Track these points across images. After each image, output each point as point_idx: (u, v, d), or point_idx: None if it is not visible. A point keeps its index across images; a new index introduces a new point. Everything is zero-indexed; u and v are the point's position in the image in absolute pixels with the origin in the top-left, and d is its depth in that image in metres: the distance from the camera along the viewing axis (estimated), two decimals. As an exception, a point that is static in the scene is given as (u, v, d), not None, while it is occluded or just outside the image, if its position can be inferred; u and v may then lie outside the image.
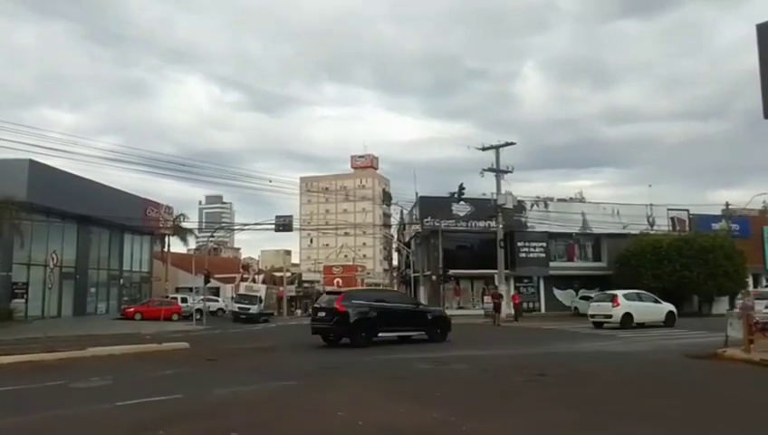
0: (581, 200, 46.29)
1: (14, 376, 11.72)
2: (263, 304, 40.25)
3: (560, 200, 44.06)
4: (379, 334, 17.45)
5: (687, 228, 43.33)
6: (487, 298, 38.26)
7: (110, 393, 9.73)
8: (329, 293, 22.36)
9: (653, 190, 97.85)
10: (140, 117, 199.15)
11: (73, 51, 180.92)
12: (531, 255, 39.98)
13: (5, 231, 27.62)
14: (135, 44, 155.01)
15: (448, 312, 38.07)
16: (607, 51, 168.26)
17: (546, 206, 41.90)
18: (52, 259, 30.54)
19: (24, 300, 31.04)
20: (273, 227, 38.89)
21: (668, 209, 43.98)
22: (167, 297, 40.38)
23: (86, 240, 36.65)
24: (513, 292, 37.88)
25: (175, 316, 35.07)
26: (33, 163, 29.08)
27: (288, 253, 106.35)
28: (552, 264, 40.66)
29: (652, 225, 42.58)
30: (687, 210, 44.71)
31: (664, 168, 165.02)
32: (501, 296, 32.00)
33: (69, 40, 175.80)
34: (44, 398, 9.51)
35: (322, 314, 17.86)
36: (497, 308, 30.79)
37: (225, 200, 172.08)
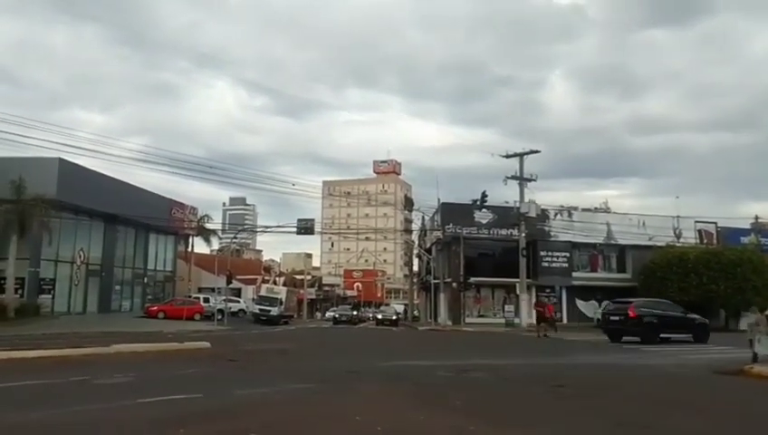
0: (606, 210, 45.62)
1: (39, 370, 11.95)
2: (283, 307, 40.48)
3: (584, 210, 43.51)
4: (660, 335, 22.11)
5: (715, 241, 42.42)
6: (508, 306, 38.01)
7: (132, 390, 9.87)
8: (617, 302, 25.50)
9: (680, 202, 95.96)
10: (169, 119, 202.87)
11: (105, 54, 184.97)
12: (553, 264, 39.52)
13: (35, 228, 28.20)
14: (165, 48, 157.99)
15: (468, 320, 38.34)
16: (635, 59, 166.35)
17: (570, 215, 41.41)
18: (80, 256, 31.21)
19: (50, 296, 31.68)
20: (295, 229, 39.13)
21: (696, 222, 43.14)
22: (189, 297, 40.82)
23: (112, 238, 37.27)
24: (534, 301, 37.49)
25: (197, 316, 35.47)
26: (62, 162, 29.71)
27: (309, 256, 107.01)
28: (575, 274, 40.12)
29: (679, 237, 41.77)
30: (715, 223, 43.80)
31: (692, 179, 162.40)
32: (545, 305, 30.43)
33: (101, 43, 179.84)
34: (68, 393, 9.67)
35: (615, 318, 23.30)
36: (543, 319, 28.86)
37: (248, 202, 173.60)
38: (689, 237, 41.90)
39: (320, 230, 57.61)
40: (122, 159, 78.55)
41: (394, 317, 45.02)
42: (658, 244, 39.69)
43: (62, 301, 32.60)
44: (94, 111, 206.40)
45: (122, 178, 36.34)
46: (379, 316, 47.94)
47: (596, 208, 45.75)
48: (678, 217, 42.86)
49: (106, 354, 15.03)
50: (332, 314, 55.02)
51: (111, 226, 36.76)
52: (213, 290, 41.60)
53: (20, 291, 29.16)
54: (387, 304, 64.94)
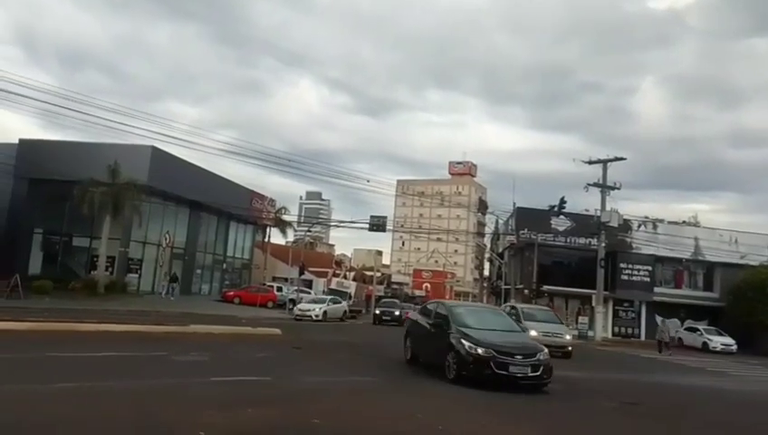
0: (695, 225, 43.01)
1: (123, 343, 12.74)
2: (352, 301, 40.94)
3: (670, 223, 41.19)
4: None
5: (814, 263, 39.02)
6: (582, 318, 36.69)
7: (206, 368, 10.33)
8: None
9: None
10: (255, 114, 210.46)
11: (201, 50, 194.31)
12: (633, 277, 37.68)
13: (126, 210, 29.98)
14: (257, 46, 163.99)
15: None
16: (736, 69, 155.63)
17: (655, 227, 39.33)
18: (165, 239, 32.88)
19: (137, 275, 33.64)
20: (368, 226, 39.44)
21: (794, 241, 39.84)
22: (264, 285, 42.11)
23: (196, 224, 39.05)
24: (611, 315, 35.98)
25: (270, 303, 36.56)
26: (155, 150, 31.40)
27: (380, 253, 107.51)
28: (656, 289, 38.06)
29: (774, 257, 38.76)
30: (816, 243, 40.25)
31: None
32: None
33: (198, 40, 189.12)
34: (149, 366, 10.25)
35: None
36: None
37: (323, 197, 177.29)
38: (786, 258, 38.77)
39: (391, 228, 57.76)
40: (210, 150, 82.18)
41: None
42: (751, 263, 36.96)
43: (148, 280, 34.51)
44: (188, 103, 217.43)
45: (208, 168, 38.08)
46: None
47: (684, 222, 43.22)
48: (775, 235, 39.76)
49: (184, 333, 15.80)
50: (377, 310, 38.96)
51: (196, 212, 38.51)
52: (286, 280, 42.68)
53: (110, 269, 31.15)
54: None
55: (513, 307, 23.13)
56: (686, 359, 24.16)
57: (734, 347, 31.11)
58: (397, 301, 41.50)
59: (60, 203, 31.62)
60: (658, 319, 31.63)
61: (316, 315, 28.93)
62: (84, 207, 28.58)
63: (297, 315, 29.06)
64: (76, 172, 28.83)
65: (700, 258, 38.77)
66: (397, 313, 32.58)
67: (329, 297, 33.88)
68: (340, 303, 33.47)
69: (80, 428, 5.59)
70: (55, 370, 8.92)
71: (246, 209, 42.19)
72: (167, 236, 33.85)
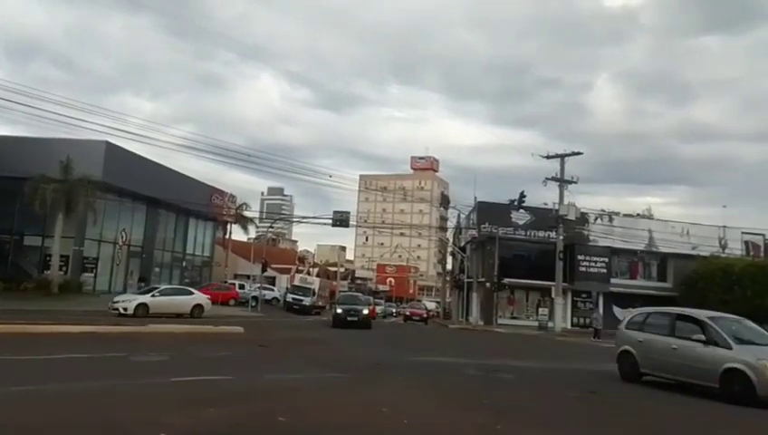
0: (649, 217, 44.40)
1: (80, 345, 12.36)
2: (316, 297, 40.79)
3: (626, 215, 42.43)
4: None
5: (762, 254, 40.81)
6: (542, 309, 37.44)
7: (166, 369, 10.12)
8: None
9: (727, 212, 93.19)
10: (214, 109, 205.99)
11: (158, 43, 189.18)
12: (591, 269, 38.71)
13: (80, 208, 29.05)
14: (215, 39, 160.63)
15: (500, 321, 37.99)
16: (687, 66, 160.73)
17: (611, 220, 40.46)
18: (122, 237, 32.07)
19: (93, 274, 32.67)
20: (331, 221, 39.33)
21: (743, 233, 41.55)
22: (225, 282, 41.55)
23: (154, 222, 38.17)
24: (570, 306, 36.88)
25: (232, 301, 36.10)
26: (109, 145, 30.51)
27: (343, 249, 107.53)
28: (613, 280, 39.20)
29: (724, 248, 40.33)
30: (764, 235, 42.09)
31: (741, 189, 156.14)
32: None
33: (154, 32, 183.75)
34: (107, 368, 9.98)
35: None
36: None
37: (285, 193, 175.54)
38: (735, 249, 40.42)
39: (355, 223, 57.66)
40: (168, 146, 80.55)
41: (424, 314, 44.62)
42: (702, 254, 38.42)
43: (104, 280, 33.57)
44: (144, 97, 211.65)
45: (166, 164, 37.21)
46: (407, 312, 45.56)
47: (638, 215, 44.58)
48: (725, 227, 41.39)
49: (143, 333, 15.46)
50: (292, 298, 39.18)
51: (153, 209, 37.65)
52: (248, 277, 42.22)
53: (64, 268, 30.17)
54: (418, 301, 63.59)
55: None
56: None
57: (687, 335, 32.20)
58: (360, 295, 37.79)
59: (10, 200, 30.38)
60: (559, 308, 32.99)
61: (124, 309, 21.98)
62: (36, 204, 27.58)
63: (112, 308, 22.74)
64: (26, 168, 27.85)
65: (654, 250, 40.09)
66: (365, 311, 25.60)
67: (164, 287, 26.16)
68: (185, 294, 25.49)
69: (37, 432, 5.41)
70: (9, 373, 8.60)
71: (206, 206, 41.45)
72: (123, 233, 33.04)
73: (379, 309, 48.44)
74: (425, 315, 44.08)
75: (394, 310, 61.71)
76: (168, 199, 36.70)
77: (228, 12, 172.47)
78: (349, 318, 24.83)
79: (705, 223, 41.87)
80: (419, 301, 61.39)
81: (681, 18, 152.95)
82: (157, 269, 39.26)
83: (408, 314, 45.17)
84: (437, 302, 61.25)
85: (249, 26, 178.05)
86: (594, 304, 38.85)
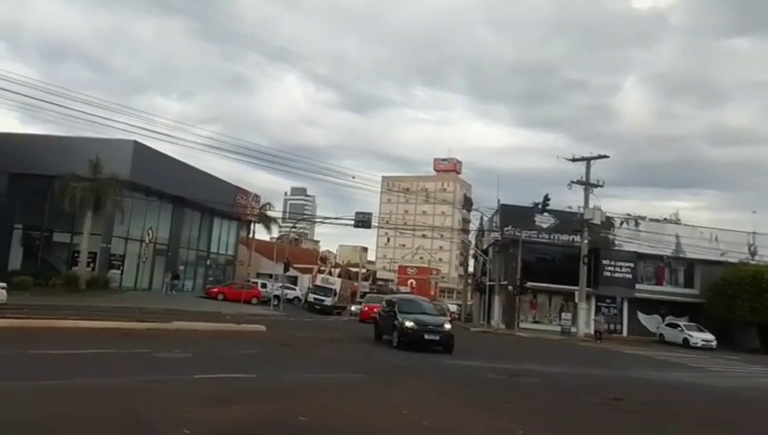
0: (677, 222, 43.54)
1: (105, 340, 12.59)
2: (337, 297, 40.90)
3: (652, 220, 41.66)
4: None
5: (794, 261, 39.77)
6: (565, 314, 37.02)
7: (190, 365, 10.24)
8: None
9: (758, 217, 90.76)
10: (241, 110, 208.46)
11: (187, 45, 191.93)
12: (616, 274, 38.12)
13: (108, 206, 29.61)
14: (242, 41, 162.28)
15: (522, 325, 37.55)
16: (717, 68, 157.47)
17: (637, 224, 39.78)
18: (148, 235, 32.55)
19: (119, 271, 33.24)
20: (353, 222, 39.42)
21: (774, 239, 40.55)
22: (248, 281, 41.90)
23: (179, 220, 38.66)
24: (593, 311, 36.35)
25: (254, 300, 36.42)
26: (137, 144, 30.99)
27: (365, 249, 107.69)
28: (638, 286, 38.55)
29: (753, 254, 39.37)
30: (796, 241, 41.01)
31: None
32: None
33: (183, 34, 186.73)
34: (131, 363, 10.14)
35: None
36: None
37: (308, 193, 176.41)
38: (765, 255, 39.42)
39: (377, 225, 57.67)
40: (195, 146, 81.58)
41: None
42: (731, 260, 37.56)
43: (130, 277, 34.12)
44: (172, 98, 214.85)
45: (192, 164, 37.68)
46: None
47: (665, 219, 43.73)
48: (755, 233, 40.40)
49: (167, 330, 15.66)
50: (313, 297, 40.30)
51: (179, 208, 38.15)
52: (270, 276, 42.51)
53: (91, 265, 30.73)
54: (436, 302, 61.19)
55: None
56: (668, 354, 24.51)
57: (714, 343, 31.61)
58: (334, 287, 40.92)
59: (40, 198, 31.14)
60: (582, 312, 32.82)
61: None
62: (65, 202, 28.20)
63: None
64: (57, 167, 28.41)
65: (681, 255, 39.32)
66: (447, 326, 18.44)
67: None
68: None
69: (64, 426, 5.52)
70: (38, 367, 8.80)
71: (230, 205, 41.88)
72: (149, 231, 33.51)
73: None
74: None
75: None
76: (194, 199, 37.18)
77: (256, 15, 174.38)
78: (427, 337, 15.89)
79: (735, 228, 40.94)
80: (437, 302, 57.91)
81: (711, 19, 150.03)
82: (182, 267, 39.79)
83: None
84: (458, 304, 60.87)
85: (276, 29, 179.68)
86: (617, 308, 38.29)
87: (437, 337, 16.05)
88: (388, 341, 16.88)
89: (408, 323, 15.95)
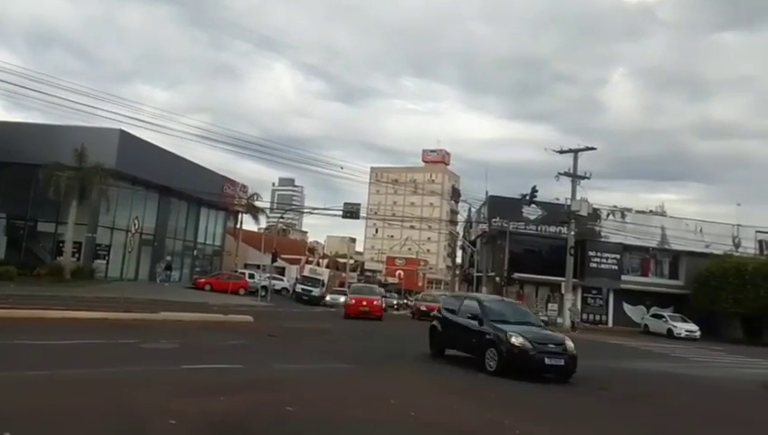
0: (662, 214, 43.98)
1: (91, 331, 12.48)
2: (325, 288, 40.90)
3: (638, 212, 42.08)
4: None
5: (776, 253, 40.38)
6: (552, 305, 37.31)
7: (177, 356, 10.19)
8: None
9: (742, 210, 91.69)
10: (228, 99, 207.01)
11: (173, 33, 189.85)
12: (602, 265, 38.50)
13: (94, 195, 29.26)
14: (230, 30, 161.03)
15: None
16: (705, 63, 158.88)
17: (623, 216, 40.14)
18: (134, 225, 32.23)
19: (105, 261, 32.87)
20: (341, 213, 39.37)
21: (757, 232, 41.10)
22: (235, 272, 41.74)
23: (166, 210, 38.32)
24: (580, 302, 36.71)
25: (241, 291, 36.33)
26: (123, 133, 30.65)
27: (353, 240, 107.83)
28: (624, 277, 38.98)
29: (737, 246, 39.93)
30: (778, 234, 41.62)
31: (757, 188, 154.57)
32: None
33: (170, 22, 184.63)
34: (117, 354, 10.07)
35: None
36: None
37: (296, 184, 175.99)
38: (749, 247, 40.00)
39: (365, 215, 57.65)
40: (181, 135, 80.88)
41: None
42: (715, 252, 38.08)
43: (116, 267, 33.81)
44: (158, 87, 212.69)
45: (179, 153, 37.32)
46: (424, 307, 31.08)
47: (651, 211, 44.17)
48: (739, 225, 40.94)
49: (154, 321, 15.57)
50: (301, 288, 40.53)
51: (165, 198, 37.82)
52: (258, 267, 42.38)
53: (77, 255, 30.39)
54: (428, 294, 60.64)
55: None
56: (652, 345, 24.83)
57: (698, 333, 32.09)
58: (322, 278, 40.84)
59: (24, 187, 30.71)
60: (568, 303, 33.15)
61: None
62: (50, 191, 27.85)
63: None
64: (41, 155, 28.01)
65: (666, 247, 39.78)
66: (569, 343, 17.83)
67: None
68: None
69: (49, 417, 5.47)
70: (23, 358, 8.72)
71: (218, 195, 41.60)
72: (135, 221, 33.19)
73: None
74: None
75: (395, 302, 51.72)
76: (181, 188, 36.86)
77: (244, 3, 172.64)
78: (549, 361, 11.00)
79: (719, 221, 41.48)
80: (429, 295, 54.35)
81: (699, 14, 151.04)
82: (168, 258, 39.55)
83: (424, 308, 31.01)
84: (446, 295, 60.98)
85: (265, 17, 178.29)
86: (603, 299, 38.65)
87: (561, 361, 10.98)
88: (464, 360, 12.05)
89: (517, 340, 10.76)
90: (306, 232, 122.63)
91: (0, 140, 29.38)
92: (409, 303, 48.20)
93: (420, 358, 12.89)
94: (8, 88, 23.14)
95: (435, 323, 13.75)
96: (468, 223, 49.27)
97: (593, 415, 8.23)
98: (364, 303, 25.79)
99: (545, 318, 36.25)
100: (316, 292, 39.46)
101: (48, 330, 11.83)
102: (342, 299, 34.78)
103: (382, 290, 41.47)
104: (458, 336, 12.35)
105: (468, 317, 12.08)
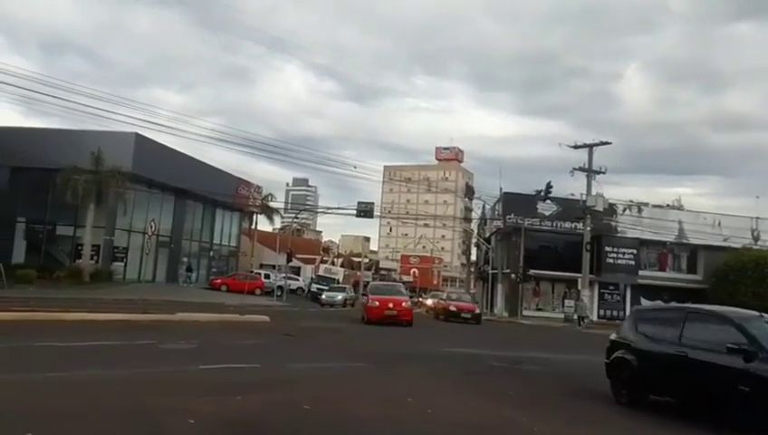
0: (679, 208, 43.45)
1: (110, 332, 12.65)
2: (351, 291, 40.82)
3: (655, 206, 41.57)
4: None
5: (797, 246, 39.70)
6: (568, 301, 37.11)
7: (194, 356, 10.29)
8: None
9: (761, 203, 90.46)
10: (242, 101, 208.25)
11: (186, 36, 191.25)
12: (619, 261, 38.12)
13: (111, 198, 29.67)
14: (242, 32, 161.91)
15: (525, 313, 37.63)
16: (719, 54, 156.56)
17: (640, 211, 39.70)
18: (151, 227, 32.61)
19: (123, 264, 33.30)
20: (355, 212, 39.43)
21: (776, 224, 40.47)
22: (251, 272, 41.98)
23: (182, 212, 38.71)
24: (597, 298, 36.43)
25: (257, 291, 36.54)
26: (138, 137, 30.99)
27: (367, 239, 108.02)
28: (641, 272, 38.54)
29: (756, 239, 39.31)
30: (799, 227, 40.90)
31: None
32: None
33: (183, 26, 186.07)
34: (135, 355, 10.19)
35: None
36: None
37: (310, 184, 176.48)
38: (768, 240, 39.39)
39: (379, 214, 57.69)
40: (196, 137, 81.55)
41: (476, 310, 29.80)
42: (734, 245, 37.50)
43: (133, 269, 34.20)
44: (172, 90, 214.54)
45: (194, 156, 37.67)
46: (453, 307, 28.69)
47: (668, 205, 43.65)
48: (758, 218, 40.29)
49: (171, 321, 15.73)
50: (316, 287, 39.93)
51: (181, 200, 38.18)
52: (273, 267, 42.58)
53: (95, 257, 30.86)
54: (452, 292, 53.39)
55: None
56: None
57: (716, 328, 31.62)
58: (336, 277, 41.52)
59: (43, 191, 31.21)
60: (585, 299, 32.90)
61: None
62: (68, 195, 28.24)
63: None
64: (59, 160, 28.44)
65: (684, 241, 39.29)
66: (339, 297, 17.63)
67: None
68: None
69: (68, 417, 5.56)
70: (43, 359, 8.85)
71: (233, 196, 41.92)
72: (152, 223, 33.59)
73: None
74: (477, 311, 28.89)
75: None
76: (196, 190, 37.23)
77: (255, 5, 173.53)
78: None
79: (738, 214, 40.87)
80: (453, 292, 42.26)
81: (712, 5, 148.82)
82: (185, 259, 39.93)
83: (453, 308, 28.27)
84: (461, 293, 60.91)
85: (276, 19, 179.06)
86: (620, 295, 38.31)
87: None
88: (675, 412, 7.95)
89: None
90: (321, 232, 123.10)
91: (19, 145, 29.89)
92: (423, 301, 46.17)
93: (432, 355, 12.85)
94: (26, 94, 23.52)
95: (623, 353, 8.63)
96: (483, 220, 49.05)
97: (606, 414, 8.15)
98: (390, 305, 21.12)
99: (561, 314, 36.27)
100: (340, 298, 35.04)
101: (67, 332, 11.99)
102: (340, 297, 34.47)
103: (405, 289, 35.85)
104: (683, 378, 7.52)
105: (708, 350, 7.16)
